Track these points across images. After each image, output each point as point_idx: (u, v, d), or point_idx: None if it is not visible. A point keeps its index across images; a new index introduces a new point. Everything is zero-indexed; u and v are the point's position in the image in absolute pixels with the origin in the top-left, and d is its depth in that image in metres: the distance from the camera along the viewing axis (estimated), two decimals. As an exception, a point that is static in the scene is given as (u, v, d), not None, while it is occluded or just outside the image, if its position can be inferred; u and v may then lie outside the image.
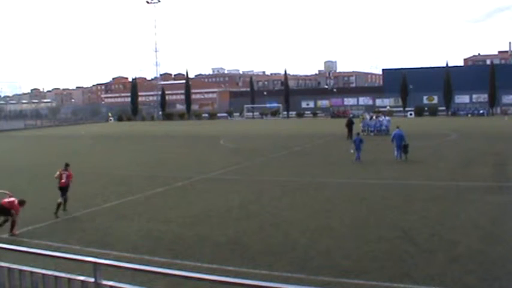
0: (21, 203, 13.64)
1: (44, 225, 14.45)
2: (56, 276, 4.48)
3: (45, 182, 22.02)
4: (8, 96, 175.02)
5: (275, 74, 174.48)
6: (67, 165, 16.09)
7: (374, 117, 44.20)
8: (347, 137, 38.96)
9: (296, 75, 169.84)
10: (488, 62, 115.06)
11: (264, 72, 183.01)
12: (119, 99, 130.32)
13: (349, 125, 39.57)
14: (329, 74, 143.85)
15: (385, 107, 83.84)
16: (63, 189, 15.48)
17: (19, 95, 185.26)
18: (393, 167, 23.90)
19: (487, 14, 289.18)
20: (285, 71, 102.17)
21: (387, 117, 45.64)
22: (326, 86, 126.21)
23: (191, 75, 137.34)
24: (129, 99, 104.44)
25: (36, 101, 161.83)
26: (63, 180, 15.49)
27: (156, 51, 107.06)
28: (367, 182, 20.09)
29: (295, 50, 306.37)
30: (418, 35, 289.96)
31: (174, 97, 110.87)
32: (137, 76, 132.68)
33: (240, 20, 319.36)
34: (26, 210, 15.31)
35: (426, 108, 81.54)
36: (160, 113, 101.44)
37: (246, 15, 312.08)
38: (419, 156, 27.12)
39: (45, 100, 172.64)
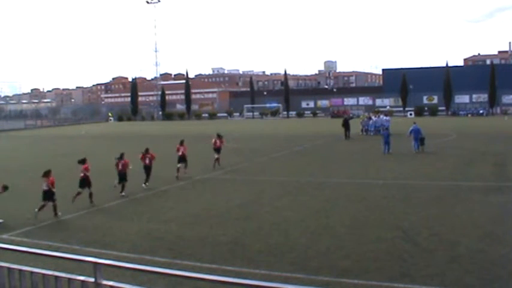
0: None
1: (44, 225, 14.46)
2: (56, 276, 4.47)
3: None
4: (8, 96, 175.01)
5: (275, 74, 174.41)
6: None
7: (373, 118, 44.56)
8: (345, 137, 39.12)
9: (296, 75, 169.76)
10: (488, 62, 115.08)
11: (264, 72, 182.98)
12: (119, 99, 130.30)
13: (346, 124, 39.76)
14: (329, 74, 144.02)
15: (385, 107, 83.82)
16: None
17: (19, 95, 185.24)
18: (396, 164, 23.92)
19: (487, 14, 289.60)
20: (285, 71, 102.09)
21: (386, 117, 45.82)
22: (326, 86, 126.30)
23: (191, 75, 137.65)
24: (129, 99, 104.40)
25: (36, 101, 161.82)
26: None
27: (156, 51, 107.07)
28: (367, 182, 20.09)
29: (295, 50, 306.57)
30: (418, 35, 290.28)
31: (174, 97, 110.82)
32: (137, 76, 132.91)
33: (239, 20, 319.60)
34: (25, 210, 15.35)
35: (426, 108, 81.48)
36: (160, 113, 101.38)
37: (246, 15, 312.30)
38: (420, 156, 27.27)
39: (45, 100, 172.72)
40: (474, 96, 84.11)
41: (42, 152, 39.22)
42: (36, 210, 14.98)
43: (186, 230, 13.50)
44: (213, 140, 25.36)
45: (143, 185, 19.89)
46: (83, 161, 17.38)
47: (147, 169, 20.16)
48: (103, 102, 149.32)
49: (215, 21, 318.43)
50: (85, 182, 16.85)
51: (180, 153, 22.56)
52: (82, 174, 16.96)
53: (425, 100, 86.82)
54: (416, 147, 29.10)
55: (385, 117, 44.72)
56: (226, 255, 11.08)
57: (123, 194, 18.23)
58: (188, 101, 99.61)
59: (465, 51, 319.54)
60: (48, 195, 15.29)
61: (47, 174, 15.67)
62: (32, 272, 4.60)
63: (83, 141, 48.83)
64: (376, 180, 20.33)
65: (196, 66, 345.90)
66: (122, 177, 18.35)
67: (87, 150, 35.91)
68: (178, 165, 22.27)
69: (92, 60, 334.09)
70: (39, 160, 30.95)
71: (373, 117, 44.46)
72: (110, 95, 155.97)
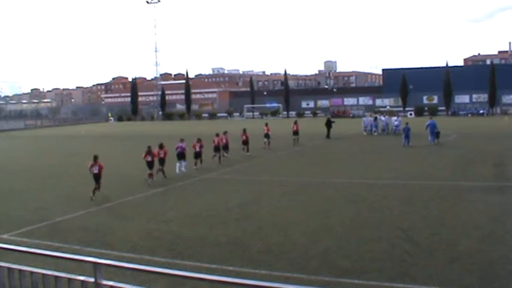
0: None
1: (44, 225, 14.46)
2: (56, 276, 4.47)
3: (45, 183, 22.02)
4: (8, 96, 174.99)
5: (275, 74, 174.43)
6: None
7: (383, 118, 45.02)
8: (326, 136, 39.65)
9: (296, 75, 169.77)
10: (488, 62, 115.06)
11: (264, 72, 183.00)
12: (119, 99, 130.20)
13: (328, 124, 40.74)
14: (329, 74, 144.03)
15: (385, 107, 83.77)
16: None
17: (19, 95, 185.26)
18: (396, 164, 23.90)
19: (487, 14, 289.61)
20: (285, 71, 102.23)
21: (385, 117, 46.21)
22: (326, 86, 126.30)
23: (191, 75, 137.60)
24: (129, 99, 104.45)
25: (36, 101, 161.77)
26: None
27: (156, 51, 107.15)
28: (367, 182, 20.08)
29: (295, 50, 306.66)
30: (418, 35, 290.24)
31: (174, 97, 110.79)
32: (137, 76, 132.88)
33: (239, 20, 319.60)
34: (26, 210, 15.34)
35: (426, 108, 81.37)
36: (160, 113, 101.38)
37: (246, 15, 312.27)
38: (420, 156, 27.30)
39: (45, 100, 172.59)
40: (474, 96, 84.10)
41: (42, 152, 39.20)
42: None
43: (186, 230, 13.50)
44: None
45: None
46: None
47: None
48: (103, 102, 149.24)
49: (215, 21, 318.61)
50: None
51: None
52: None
53: (425, 100, 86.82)
54: (432, 140, 32.63)
55: (382, 118, 45.54)
56: (226, 255, 11.08)
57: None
58: (188, 101, 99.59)
59: (465, 51, 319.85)
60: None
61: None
62: (32, 272, 4.59)
63: (82, 141, 48.79)
64: (376, 180, 20.33)
65: (196, 66, 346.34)
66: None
67: (87, 150, 35.92)
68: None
69: (92, 60, 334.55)
70: (38, 161, 30.97)
71: (382, 118, 44.90)
72: (110, 95, 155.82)
